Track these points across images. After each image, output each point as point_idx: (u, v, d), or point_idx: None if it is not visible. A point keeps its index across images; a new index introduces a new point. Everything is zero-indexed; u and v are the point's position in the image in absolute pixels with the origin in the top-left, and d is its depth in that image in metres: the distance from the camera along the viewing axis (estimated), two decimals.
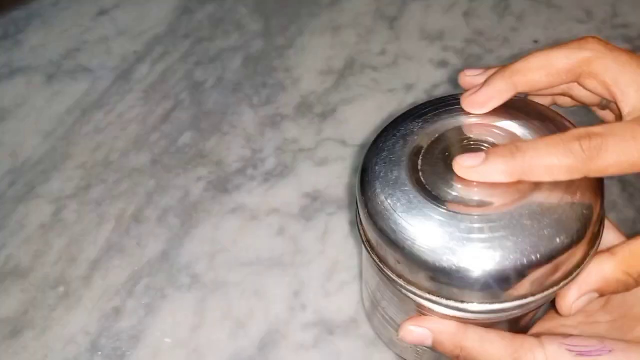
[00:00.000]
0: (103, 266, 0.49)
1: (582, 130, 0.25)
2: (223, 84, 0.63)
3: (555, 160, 0.24)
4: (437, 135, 0.28)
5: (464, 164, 0.25)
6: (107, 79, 0.64)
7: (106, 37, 0.68)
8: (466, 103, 0.28)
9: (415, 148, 0.27)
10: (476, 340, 0.27)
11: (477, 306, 0.26)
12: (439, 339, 0.28)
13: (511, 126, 0.28)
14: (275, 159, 0.56)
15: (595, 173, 0.24)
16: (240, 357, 0.44)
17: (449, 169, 0.26)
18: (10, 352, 0.45)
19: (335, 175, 0.54)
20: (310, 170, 0.55)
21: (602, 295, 0.27)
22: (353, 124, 0.58)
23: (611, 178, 0.53)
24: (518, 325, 0.31)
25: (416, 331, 0.28)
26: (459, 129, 0.28)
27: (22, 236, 0.51)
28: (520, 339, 0.27)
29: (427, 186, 0.26)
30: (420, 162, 0.27)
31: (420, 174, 0.27)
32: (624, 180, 0.53)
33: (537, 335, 0.27)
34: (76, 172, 0.55)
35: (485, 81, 0.28)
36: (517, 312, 0.27)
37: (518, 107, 0.28)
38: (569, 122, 0.28)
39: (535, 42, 0.66)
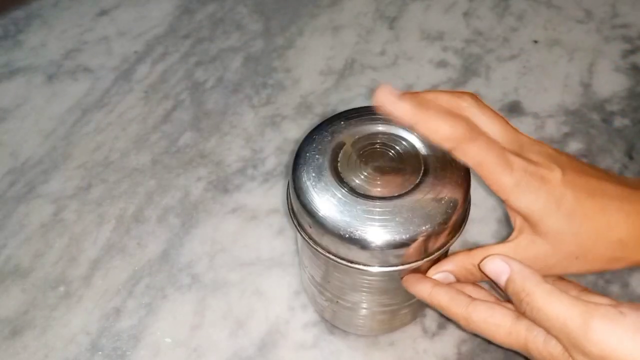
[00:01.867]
0: (103, 266, 0.49)
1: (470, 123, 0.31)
2: (223, 84, 0.63)
3: (443, 126, 0.29)
4: (357, 137, 0.36)
5: (386, 90, 0.30)
6: (108, 79, 0.64)
7: (106, 37, 0.68)
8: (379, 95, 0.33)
9: (339, 143, 0.35)
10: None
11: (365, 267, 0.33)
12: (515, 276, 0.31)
13: (412, 138, 0.35)
14: (275, 159, 0.56)
15: (459, 153, 0.30)
16: (240, 357, 0.44)
17: (361, 164, 0.34)
18: (11, 352, 0.45)
19: None
20: None
21: (457, 279, 0.34)
22: None
23: None
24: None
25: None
26: (374, 134, 0.36)
27: (22, 236, 0.51)
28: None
29: (341, 174, 0.34)
30: (340, 154, 0.35)
31: (338, 163, 0.34)
32: None
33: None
34: (76, 172, 0.56)
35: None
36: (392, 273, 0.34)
37: None
38: None
39: (535, 42, 0.66)
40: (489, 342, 0.43)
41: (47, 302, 0.47)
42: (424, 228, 0.32)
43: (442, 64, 0.64)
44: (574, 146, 0.56)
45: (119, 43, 0.67)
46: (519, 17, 0.69)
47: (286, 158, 0.56)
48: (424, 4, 0.71)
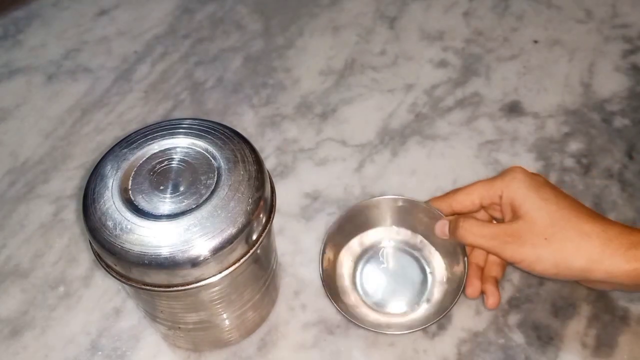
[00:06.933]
0: None
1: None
2: (223, 84, 0.63)
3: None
4: (145, 158, 0.35)
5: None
6: (107, 79, 0.64)
7: (106, 37, 0.68)
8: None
9: (127, 171, 0.34)
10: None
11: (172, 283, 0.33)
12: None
13: (201, 146, 0.35)
14: (275, 159, 0.56)
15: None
16: (240, 357, 0.44)
17: (154, 184, 0.34)
18: (11, 351, 0.45)
19: (335, 175, 0.54)
20: (310, 170, 0.55)
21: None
22: (353, 124, 0.58)
23: (610, 178, 0.53)
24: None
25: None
26: (163, 151, 0.35)
27: (22, 236, 0.51)
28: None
29: (134, 202, 0.33)
30: (130, 180, 0.34)
31: (130, 192, 0.33)
32: (623, 180, 0.53)
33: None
34: (76, 172, 0.56)
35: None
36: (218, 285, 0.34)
37: (209, 130, 0.36)
38: (250, 145, 0.36)
39: (535, 42, 0.66)
40: (490, 341, 0.43)
41: (47, 302, 0.47)
42: (230, 231, 0.32)
43: (442, 63, 0.64)
44: (574, 146, 0.56)
45: (119, 43, 0.67)
46: (519, 17, 0.69)
47: (286, 158, 0.56)
48: (424, 4, 0.71)
